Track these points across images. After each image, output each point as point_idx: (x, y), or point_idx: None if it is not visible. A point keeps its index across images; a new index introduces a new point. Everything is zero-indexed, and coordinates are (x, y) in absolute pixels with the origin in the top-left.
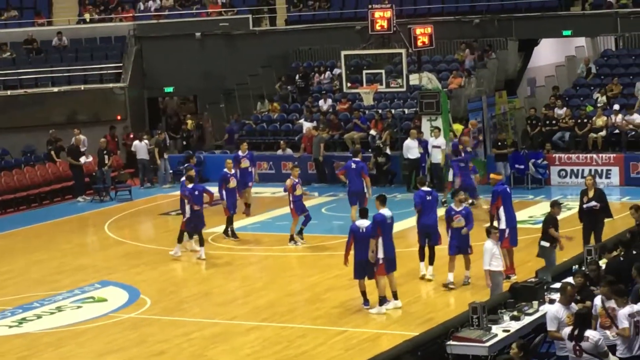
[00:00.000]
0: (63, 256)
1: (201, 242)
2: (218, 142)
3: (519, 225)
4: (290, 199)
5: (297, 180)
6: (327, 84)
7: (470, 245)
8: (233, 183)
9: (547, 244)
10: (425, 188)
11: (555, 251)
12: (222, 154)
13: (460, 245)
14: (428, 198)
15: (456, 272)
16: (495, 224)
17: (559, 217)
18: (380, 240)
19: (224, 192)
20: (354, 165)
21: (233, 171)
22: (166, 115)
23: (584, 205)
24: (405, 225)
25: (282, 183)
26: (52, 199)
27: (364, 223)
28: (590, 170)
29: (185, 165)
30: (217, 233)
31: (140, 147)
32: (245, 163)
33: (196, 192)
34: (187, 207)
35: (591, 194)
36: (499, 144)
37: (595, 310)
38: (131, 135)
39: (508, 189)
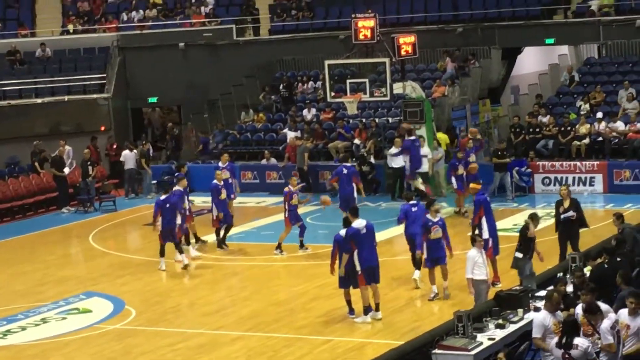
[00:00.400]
0: (47, 267)
1: (179, 250)
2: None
3: (503, 234)
4: (286, 207)
5: (293, 190)
6: (311, 94)
7: (446, 255)
8: (224, 194)
9: (520, 255)
10: (411, 202)
11: (532, 262)
12: (205, 164)
13: (437, 256)
14: (414, 209)
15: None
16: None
17: (536, 229)
18: (355, 252)
19: (213, 205)
20: (345, 171)
21: (222, 182)
22: (152, 127)
23: (561, 216)
24: (390, 234)
25: (266, 193)
26: (36, 210)
27: (362, 223)
28: (574, 177)
29: (176, 174)
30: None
31: (130, 157)
32: (225, 174)
33: (167, 205)
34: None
35: (567, 204)
36: (499, 153)
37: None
38: (114, 146)
39: (488, 198)
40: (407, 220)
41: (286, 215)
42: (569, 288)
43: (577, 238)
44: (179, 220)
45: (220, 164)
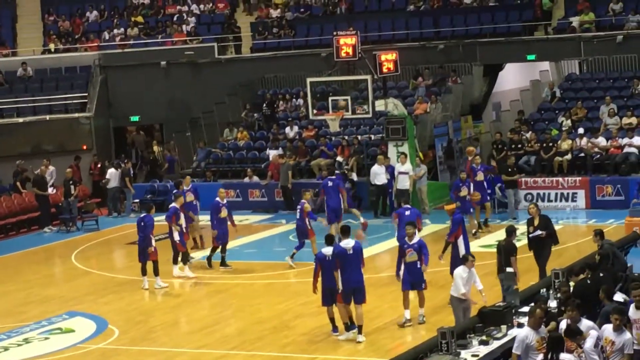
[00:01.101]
0: (30, 287)
1: (155, 272)
2: (184, 170)
3: (486, 250)
4: (307, 220)
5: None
6: (293, 112)
7: (425, 280)
8: (224, 213)
9: (512, 270)
10: (405, 205)
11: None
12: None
13: (414, 281)
14: (407, 213)
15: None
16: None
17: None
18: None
19: (214, 222)
20: (330, 183)
21: (225, 201)
22: (135, 148)
23: (530, 235)
24: (374, 251)
25: (249, 211)
26: (18, 230)
27: (349, 243)
28: (556, 193)
29: (174, 192)
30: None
31: (114, 175)
32: (190, 197)
33: (142, 224)
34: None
35: (536, 222)
36: (509, 170)
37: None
38: (99, 165)
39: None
40: (399, 224)
41: (309, 227)
42: (553, 304)
43: (546, 256)
44: (177, 237)
45: (184, 186)
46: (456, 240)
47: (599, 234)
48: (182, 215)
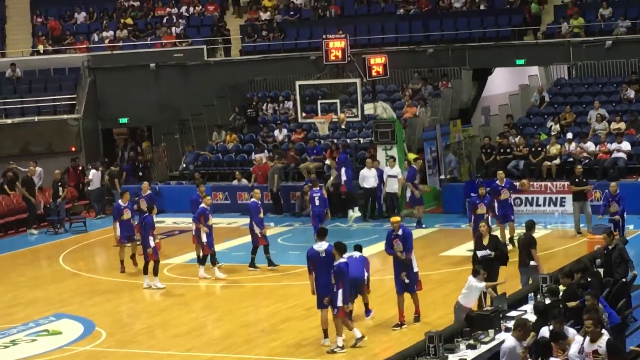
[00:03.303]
0: (17, 289)
1: (155, 272)
2: (173, 172)
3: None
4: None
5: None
6: (283, 114)
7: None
8: (210, 220)
9: (534, 263)
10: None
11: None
12: (177, 184)
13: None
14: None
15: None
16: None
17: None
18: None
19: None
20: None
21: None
22: (128, 149)
23: (478, 255)
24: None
25: (238, 213)
26: (5, 231)
27: (322, 246)
28: (545, 198)
29: (202, 191)
30: (172, 265)
31: (97, 177)
32: (143, 204)
33: (142, 223)
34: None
35: (486, 241)
36: (577, 180)
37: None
38: (79, 167)
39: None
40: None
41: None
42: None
43: (494, 278)
44: (204, 238)
45: (142, 192)
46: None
47: (610, 233)
48: (210, 217)
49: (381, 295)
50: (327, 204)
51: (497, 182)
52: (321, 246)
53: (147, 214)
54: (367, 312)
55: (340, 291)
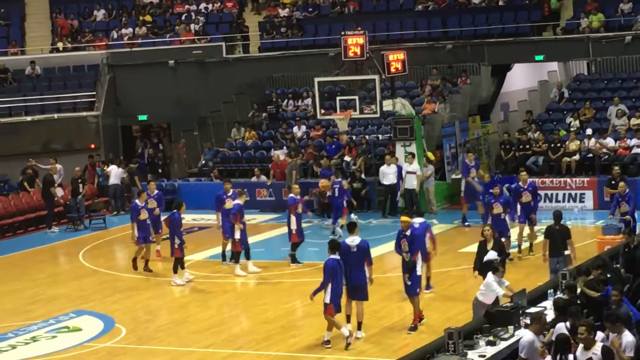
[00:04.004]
0: (37, 286)
1: (174, 269)
2: (192, 169)
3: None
4: None
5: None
6: (303, 111)
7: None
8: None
9: (568, 252)
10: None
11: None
12: (196, 181)
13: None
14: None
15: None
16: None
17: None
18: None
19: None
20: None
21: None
22: (149, 147)
23: (484, 259)
24: (381, 251)
25: (257, 210)
26: (26, 228)
27: (355, 240)
28: (564, 194)
29: (237, 189)
30: (192, 261)
31: (115, 173)
32: (152, 204)
33: (171, 221)
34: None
35: (490, 246)
36: (613, 182)
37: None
38: (97, 164)
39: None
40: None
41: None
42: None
43: None
44: (237, 235)
45: (149, 193)
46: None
47: (630, 232)
48: (244, 214)
49: (401, 291)
50: (349, 194)
51: (520, 183)
52: (353, 240)
53: (175, 210)
54: (428, 286)
55: (329, 288)
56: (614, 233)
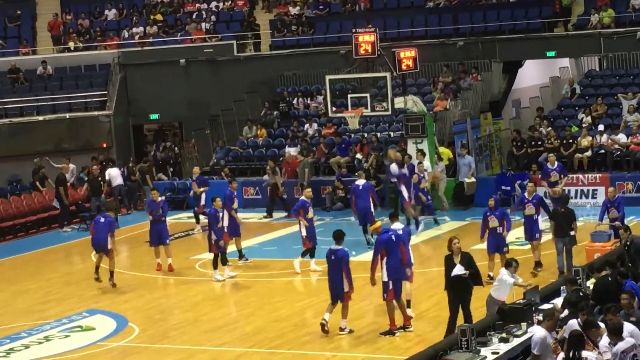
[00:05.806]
0: (50, 285)
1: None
2: (204, 168)
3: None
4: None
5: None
6: (314, 108)
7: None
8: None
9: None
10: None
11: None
12: (208, 180)
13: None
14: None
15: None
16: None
17: None
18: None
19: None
20: (360, 187)
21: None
22: (164, 147)
23: (452, 274)
24: None
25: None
26: (38, 228)
27: (398, 226)
28: (576, 190)
29: (303, 184)
30: (204, 260)
31: (115, 174)
32: (195, 188)
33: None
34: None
35: (457, 259)
36: None
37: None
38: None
39: (394, 237)
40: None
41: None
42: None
43: (469, 299)
44: (303, 232)
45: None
46: (381, 262)
47: (627, 229)
48: (310, 210)
49: (414, 289)
50: (377, 196)
51: (525, 195)
52: (398, 226)
53: (212, 206)
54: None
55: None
56: (603, 240)
